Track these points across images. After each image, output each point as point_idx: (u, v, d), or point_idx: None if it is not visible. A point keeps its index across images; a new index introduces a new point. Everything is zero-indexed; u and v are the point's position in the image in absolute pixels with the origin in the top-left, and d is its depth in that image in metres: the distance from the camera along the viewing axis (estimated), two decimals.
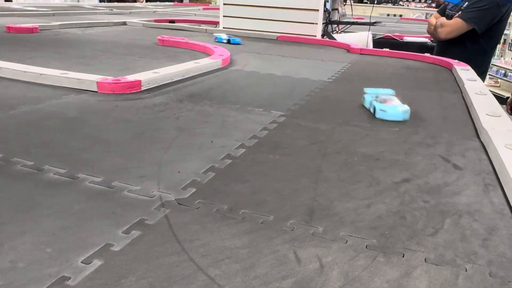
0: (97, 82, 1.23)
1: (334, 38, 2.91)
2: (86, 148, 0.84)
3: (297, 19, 2.84)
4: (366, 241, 0.58)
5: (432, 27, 2.76)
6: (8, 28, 2.39)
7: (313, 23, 2.82)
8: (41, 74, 1.30)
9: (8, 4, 4.32)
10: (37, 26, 2.50)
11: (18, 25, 2.43)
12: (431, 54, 2.52)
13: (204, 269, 0.49)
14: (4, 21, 2.77)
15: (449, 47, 2.62)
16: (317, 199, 0.69)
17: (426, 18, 6.52)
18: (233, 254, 0.53)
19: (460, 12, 2.56)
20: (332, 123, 1.10)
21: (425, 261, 0.54)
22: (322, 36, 2.89)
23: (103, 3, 6.41)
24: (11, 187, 0.66)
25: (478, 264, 0.54)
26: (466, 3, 2.58)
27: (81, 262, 0.49)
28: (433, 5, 9.28)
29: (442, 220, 0.65)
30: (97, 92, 1.23)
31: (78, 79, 1.26)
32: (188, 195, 0.67)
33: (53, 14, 3.54)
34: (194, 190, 0.69)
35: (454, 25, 2.55)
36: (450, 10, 2.72)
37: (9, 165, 0.74)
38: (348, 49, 2.53)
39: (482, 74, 2.54)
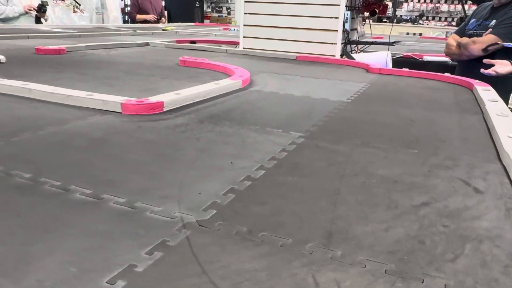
0: (121, 104, 1.28)
1: (353, 58, 2.93)
2: (110, 169, 0.87)
3: (316, 39, 2.87)
4: (384, 266, 0.58)
5: (453, 48, 2.75)
6: (37, 50, 2.49)
7: (332, 43, 2.84)
8: (68, 96, 1.35)
9: (37, 26, 4.49)
10: (64, 48, 2.59)
11: (46, 47, 2.53)
12: (452, 74, 2.51)
13: None
14: (34, 43, 2.89)
15: (476, 66, 2.60)
16: (335, 222, 0.70)
17: (446, 36, 6.48)
18: (252, 276, 0.54)
19: (490, 29, 2.56)
20: (350, 144, 1.11)
21: (445, 287, 0.54)
22: (341, 56, 2.91)
23: (126, 24, 6.60)
24: (40, 206, 0.69)
25: None
26: (494, 21, 2.58)
27: (106, 283, 0.51)
28: (453, 23, 9.25)
29: (462, 245, 0.64)
30: (121, 113, 1.27)
31: (103, 101, 1.31)
32: (208, 217, 0.69)
33: (79, 36, 3.66)
34: (214, 211, 0.71)
35: (488, 41, 2.54)
36: (474, 30, 2.72)
37: (38, 185, 0.77)
38: (367, 69, 2.54)
39: None
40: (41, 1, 4.71)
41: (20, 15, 4.62)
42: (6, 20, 4.53)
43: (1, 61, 2.03)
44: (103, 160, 0.92)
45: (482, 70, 2.28)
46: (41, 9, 4.65)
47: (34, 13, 4.65)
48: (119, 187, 0.78)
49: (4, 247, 0.57)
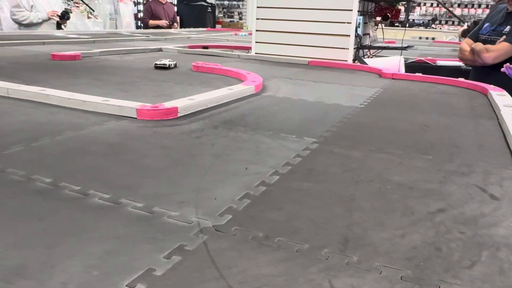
0: (136, 109, 1.29)
1: (365, 63, 2.93)
2: (127, 174, 0.89)
3: (329, 44, 2.88)
4: (401, 272, 0.58)
5: (467, 53, 2.73)
6: (53, 55, 2.53)
7: (344, 48, 2.84)
8: (84, 101, 1.38)
9: (52, 32, 4.58)
10: (79, 54, 2.63)
11: (61, 53, 2.57)
12: (466, 78, 2.49)
13: None
14: (49, 48, 2.94)
15: (491, 72, 2.57)
16: (351, 228, 0.70)
17: (459, 41, 6.44)
18: (269, 281, 0.55)
19: (504, 37, 2.53)
20: (365, 150, 1.11)
21: None
22: (354, 61, 2.91)
23: (139, 29, 6.67)
24: (61, 210, 0.71)
25: None
26: (509, 27, 2.55)
27: (126, 286, 0.52)
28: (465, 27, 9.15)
29: (479, 252, 0.64)
30: (136, 118, 1.29)
31: (119, 106, 1.33)
32: (224, 222, 0.70)
33: (94, 41, 3.72)
34: (230, 216, 0.71)
35: (501, 50, 2.52)
36: (488, 36, 2.69)
37: (58, 190, 0.78)
38: (380, 74, 2.54)
39: None
40: (65, 9, 4.82)
41: (44, 21, 4.72)
42: (29, 25, 4.63)
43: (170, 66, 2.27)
44: (120, 165, 0.94)
45: (506, 65, 2.24)
46: (65, 16, 4.76)
47: (57, 19, 4.75)
48: (136, 192, 0.79)
49: (29, 251, 0.58)
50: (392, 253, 0.63)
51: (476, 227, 0.72)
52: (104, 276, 0.53)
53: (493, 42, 2.61)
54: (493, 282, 0.57)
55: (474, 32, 2.91)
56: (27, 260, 0.56)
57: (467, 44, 2.79)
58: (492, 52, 2.55)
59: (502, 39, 2.54)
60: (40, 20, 4.68)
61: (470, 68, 2.95)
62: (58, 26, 4.82)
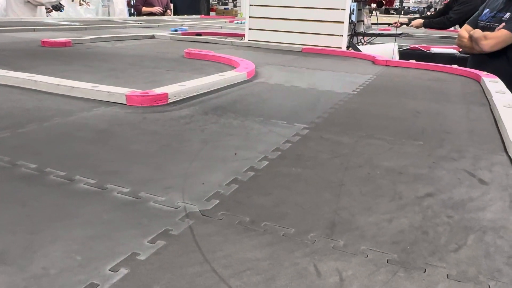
0: (126, 95, 1.28)
1: (359, 50, 2.91)
2: (115, 159, 0.88)
3: (322, 31, 2.86)
4: (387, 256, 0.58)
5: (465, 40, 2.69)
6: (43, 42, 2.50)
7: (338, 35, 2.82)
8: (73, 88, 1.36)
9: (43, 18, 4.54)
10: (70, 40, 2.60)
11: (52, 39, 2.54)
12: (459, 65, 2.47)
13: (225, 280, 0.51)
14: (39, 35, 2.90)
15: (489, 60, 2.54)
16: (338, 213, 0.70)
17: (454, 28, 6.41)
18: (254, 265, 0.54)
19: (503, 24, 2.49)
20: (355, 136, 1.10)
21: (447, 277, 0.54)
22: (347, 48, 2.89)
23: (132, 17, 6.59)
24: (45, 196, 0.70)
25: (502, 282, 0.54)
26: (508, 13, 2.51)
27: (109, 270, 0.51)
28: None
29: (466, 236, 0.64)
30: (126, 104, 1.28)
31: (108, 92, 1.31)
32: (211, 207, 0.69)
33: (85, 28, 3.67)
34: (217, 201, 0.71)
35: (500, 37, 2.47)
36: (488, 22, 2.65)
37: (43, 175, 0.77)
38: (373, 61, 2.52)
39: None
40: (59, 3, 4.93)
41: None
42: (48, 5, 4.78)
43: None
44: (107, 151, 0.93)
45: None
46: (60, 9, 4.86)
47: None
48: (123, 178, 0.78)
49: (11, 236, 0.57)
50: (379, 237, 0.63)
51: (463, 211, 0.72)
52: (87, 261, 0.53)
53: (492, 29, 2.56)
54: (479, 265, 0.57)
55: (473, 18, 2.85)
56: (9, 245, 0.55)
57: (466, 30, 2.75)
58: (490, 40, 2.51)
59: (501, 26, 2.50)
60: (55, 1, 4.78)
61: (465, 55, 2.93)
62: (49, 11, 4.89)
